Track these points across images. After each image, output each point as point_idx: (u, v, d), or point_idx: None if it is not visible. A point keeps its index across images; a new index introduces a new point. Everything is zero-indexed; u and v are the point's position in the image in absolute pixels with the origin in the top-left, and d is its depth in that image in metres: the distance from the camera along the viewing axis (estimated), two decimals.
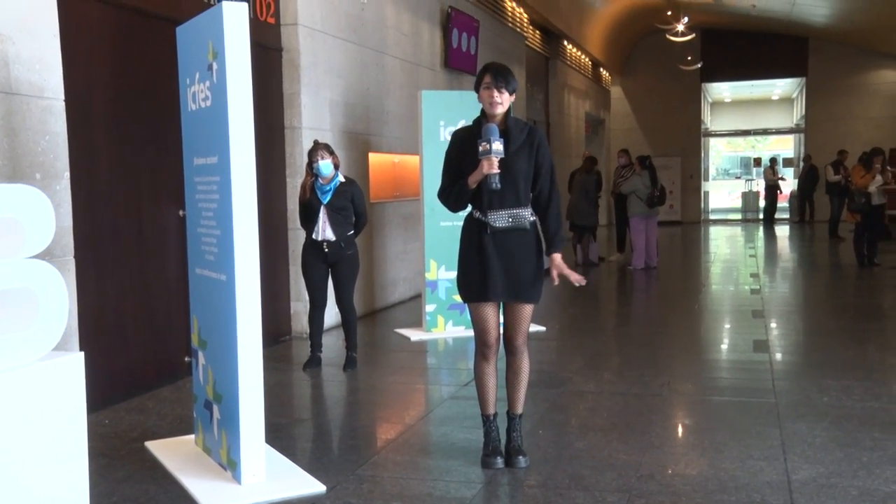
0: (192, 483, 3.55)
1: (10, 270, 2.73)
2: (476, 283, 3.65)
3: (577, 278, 3.75)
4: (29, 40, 3.83)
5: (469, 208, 3.77)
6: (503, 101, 3.60)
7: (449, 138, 3.96)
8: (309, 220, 5.55)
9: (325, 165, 5.39)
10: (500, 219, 3.61)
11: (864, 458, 3.75)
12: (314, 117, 7.02)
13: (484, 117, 3.67)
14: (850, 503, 3.26)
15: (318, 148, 5.45)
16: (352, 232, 5.61)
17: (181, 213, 5.35)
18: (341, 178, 5.52)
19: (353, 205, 5.56)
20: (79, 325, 4.37)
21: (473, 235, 3.68)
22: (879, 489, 3.40)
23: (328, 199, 5.45)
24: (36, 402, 2.73)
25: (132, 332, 5.08)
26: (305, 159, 6.75)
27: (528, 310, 3.72)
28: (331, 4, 7.27)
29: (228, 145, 3.51)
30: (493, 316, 3.70)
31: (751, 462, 3.73)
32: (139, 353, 5.13)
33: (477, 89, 3.68)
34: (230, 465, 3.60)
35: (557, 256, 3.71)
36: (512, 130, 3.63)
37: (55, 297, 2.89)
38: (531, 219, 3.68)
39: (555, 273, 3.69)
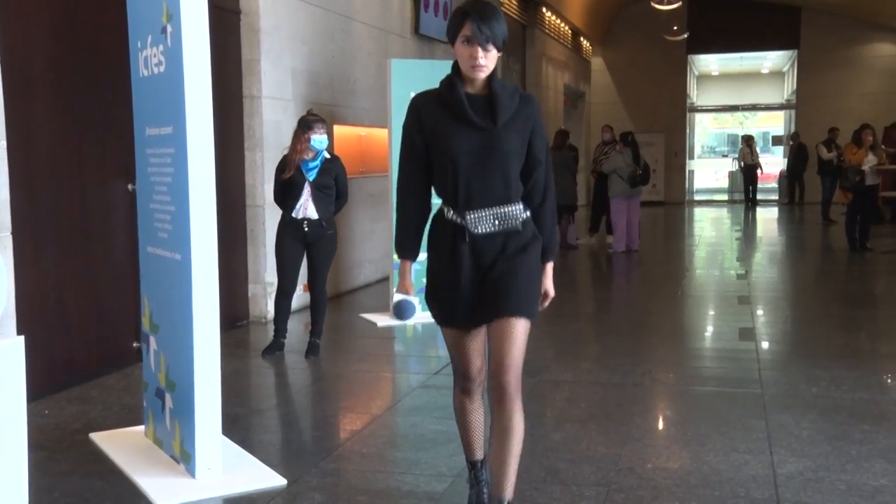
0: (141, 477, 3.55)
1: None
2: (451, 304, 2.89)
3: (544, 304, 3.06)
4: None
5: (438, 202, 2.96)
6: (489, 62, 2.76)
7: None
8: (290, 197, 5.51)
9: (321, 141, 5.37)
10: (482, 221, 2.82)
11: (852, 452, 3.84)
12: (275, 86, 6.98)
13: (457, 76, 2.82)
14: (837, 498, 3.35)
15: (316, 121, 5.42)
16: (335, 212, 5.61)
17: (130, 187, 5.31)
18: (326, 155, 5.50)
19: (336, 184, 5.55)
20: (16, 308, 4.32)
21: (445, 242, 2.87)
22: (868, 483, 3.49)
23: (314, 176, 5.42)
24: None
25: (75, 316, 5.05)
26: (269, 131, 6.79)
27: (519, 328, 2.81)
28: None
29: (184, 115, 3.49)
30: (478, 341, 2.96)
31: (735, 455, 3.81)
32: (82, 337, 5.10)
33: (451, 39, 2.81)
34: (184, 457, 3.61)
35: (548, 269, 3.02)
36: (500, 98, 2.79)
37: None
38: (524, 216, 2.88)
39: (541, 292, 3.01)
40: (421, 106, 2.90)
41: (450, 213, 2.87)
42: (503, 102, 2.80)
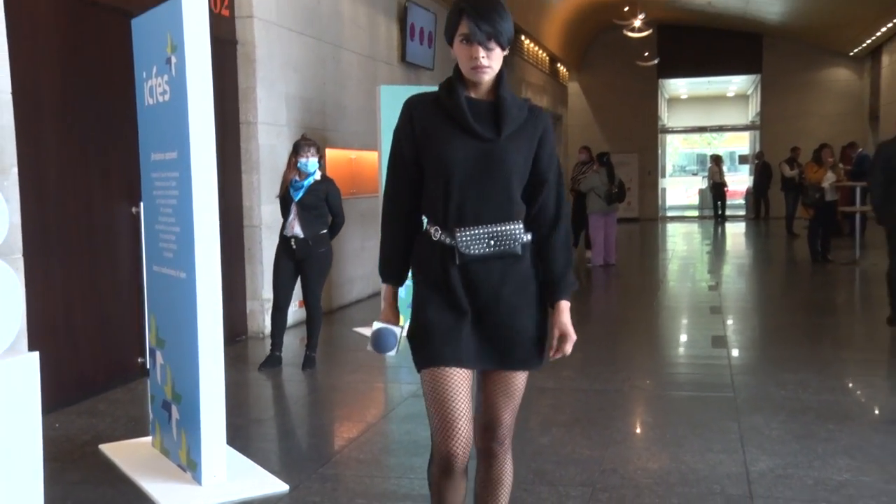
0: (150, 485, 3.55)
1: None
2: (436, 338, 2.29)
3: (566, 349, 2.40)
4: None
5: (424, 221, 2.46)
6: (492, 63, 2.27)
7: None
8: (284, 216, 5.59)
9: (311, 163, 5.43)
10: (474, 241, 2.28)
11: (819, 450, 3.90)
12: (270, 112, 7.01)
13: (458, 80, 2.32)
14: (805, 492, 3.41)
15: (307, 145, 5.48)
16: (324, 231, 5.62)
17: (134, 209, 5.33)
18: (317, 176, 5.54)
19: (328, 204, 5.57)
20: (27, 326, 4.31)
21: (433, 266, 2.34)
22: (833, 478, 3.55)
23: (299, 196, 5.47)
24: None
25: (82, 333, 5.04)
26: (264, 155, 6.82)
27: (521, 381, 2.40)
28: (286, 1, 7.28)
29: (188, 140, 3.52)
30: (462, 395, 2.28)
31: (710, 455, 3.85)
32: (90, 354, 5.08)
33: (449, 39, 2.33)
34: (190, 465, 3.61)
35: (565, 308, 2.38)
36: (507, 105, 2.30)
37: (9, 296, 2.89)
38: (524, 239, 2.34)
39: (556, 333, 2.37)
40: (414, 108, 2.38)
41: (437, 234, 2.32)
42: (510, 111, 2.29)
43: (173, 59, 3.59)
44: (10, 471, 2.76)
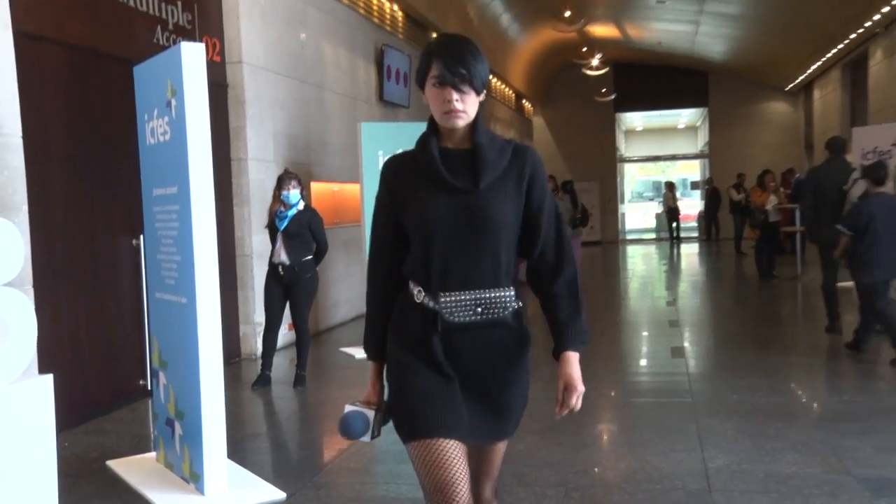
0: (157, 496, 3.56)
1: None
2: (424, 405, 1.97)
3: (572, 403, 2.03)
4: None
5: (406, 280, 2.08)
6: (466, 108, 1.97)
7: None
8: (272, 244, 5.65)
9: (292, 195, 5.49)
10: (459, 308, 1.96)
11: (768, 446, 4.00)
12: (259, 149, 7.07)
13: (433, 133, 2.02)
14: (758, 484, 3.50)
15: (288, 178, 5.55)
16: (309, 257, 5.66)
17: (134, 242, 5.35)
18: (300, 207, 5.60)
19: (311, 232, 5.62)
20: (37, 352, 4.30)
21: (413, 329, 2.01)
22: (782, 471, 3.65)
23: (284, 225, 5.52)
24: (8, 422, 2.73)
25: (88, 358, 5.03)
26: (254, 189, 6.87)
27: (500, 454, 2.16)
28: (273, 43, 7.35)
29: (188, 176, 3.56)
30: (457, 461, 1.95)
31: (673, 454, 3.93)
32: (95, 377, 5.07)
33: (421, 83, 2.03)
34: (193, 477, 3.62)
35: (572, 359, 2.03)
36: (483, 152, 1.97)
37: (24, 323, 2.91)
38: (515, 306, 2.02)
39: (561, 385, 2.02)
40: (388, 169, 2.09)
41: (420, 296, 1.99)
42: (487, 157, 1.96)
43: (173, 102, 3.63)
44: (28, 484, 2.77)
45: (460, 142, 2.00)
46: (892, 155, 9.28)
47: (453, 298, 1.95)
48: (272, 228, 5.61)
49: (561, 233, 2.06)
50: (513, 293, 1.99)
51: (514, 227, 2.00)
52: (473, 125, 2.00)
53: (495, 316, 1.97)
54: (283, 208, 5.53)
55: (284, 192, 5.48)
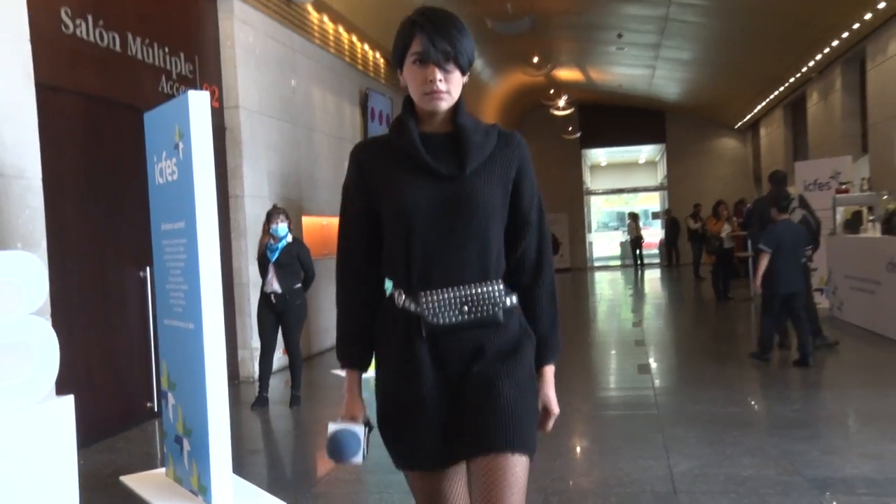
0: None
1: (12, 326, 2.82)
2: (412, 434, 1.69)
3: (547, 426, 1.80)
4: (12, 129, 3.90)
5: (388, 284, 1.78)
6: (450, 88, 1.65)
7: None
8: (262, 274, 5.71)
9: (281, 228, 5.58)
10: (444, 308, 1.64)
11: (727, 452, 4.10)
12: (255, 186, 7.16)
13: (410, 114, 1.70)
14: (718, 486, 3.59)
15: (277, 212, 5.64)
16: (299, 285, 5.74)
17: (141, 273, 5.40)
18: (289, 239, 5.69)
19: (300, 262, 5.70)
20: None
21: (396, 341, 1.70)
22: (739, 474, 3.75)
23: (275, 257, 5.61)
24: (35, 439, 2.79)
25: (99, 381, 5.04)
26: (251, 223, 6.94)
27: (517, 467, 1.60)
28: (266, 89, 7.49)
29: (195, 212, 3.62)
30: (459, 490, 1.74)
31: (641, 461, 4.00)
32: (106, 399, 5.07)
33: (399, 60, 1.70)
34: (201, 490, 3.65)
35: (549, 375, 1.79)
36: (468, 134, 1.67)
37: (48, 349, 2.96)
38: (507, 302, 1.69)
39: (538, 405, 1.75)
40: (361, 154, 1.74)
41: (401, 299, 1.67)
42: (472, 140, 1.66)
43: (181, 145, 3.70)
44: (52, 497, 2.81)
45: (440, 125, 1.68)
46: (831, 187, 9.58)
47: (436, 297, 1.62)
48: (262, 260, 5.69)
49: (544, 232, 1.78)
50: (502, 288, 1.66)
51: (502, 215, 1.69)
52: (455, 107, 1.68)
53: (484, 314, 1.63)
54: (272, 241, 5.62)
55: (273, 226, 5.58)
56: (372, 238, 1.73)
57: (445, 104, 1.64)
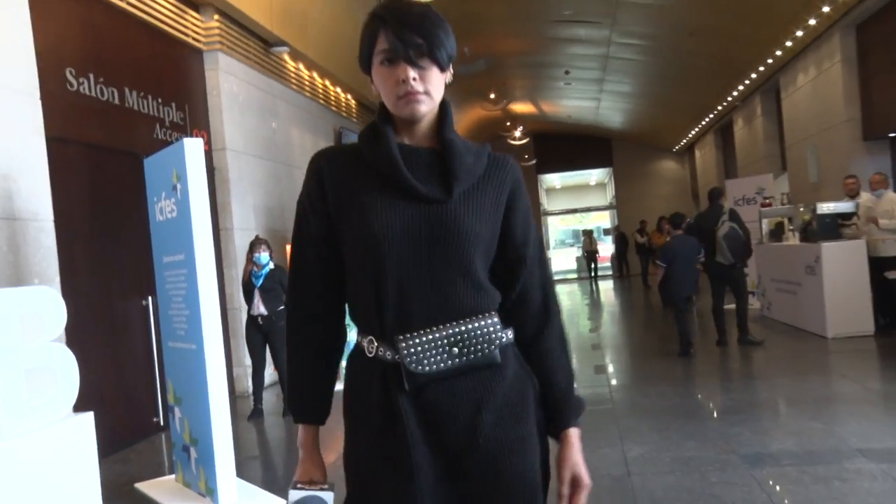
0: None
1: (36, 352, 2.92)
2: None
3: (580, 501, 1.33)
4: (27, 178, 4.00)
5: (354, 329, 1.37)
6: (428, 87, 1.25)
7: None
8: (248, 299, 5.81)
9: (263, 257, 5.71)
10: (429, 351, 1.23)
11: (673, 437, 4.27)
12: (242, 220, 7.26)
13: (386, 123, 1.29)
14: (666, 467, 3.77)
15: (259, 242, 5.76)
16: (282, 307, 5.85)
17: (143, 302, 5.47)
18: (271, 266, 5.82)
19: (282, 287, 5.83)
20: None
21: (371, 399, 1.28)
22: (684, 455, 3.93)
23: (260, 282, 5.73)
24: (60, 452, 2.88)
25: (110, 399, 5.07)
26: (240, 253, 7.04)
27: None
28: (250, 131, 7.62)
29: (193, 245, 3.73)
30: None
31: (599, 450, 4.15)
32: (117, 416, 5.11)
33: (366, 63, 1.29)
34: (208, 492, 3.73)
35: (574, 439, 1.36)
36: (456, 149, 1.29)
37: (69, 371, 3.06)
38: (503, 337, 1.29)
39: (566, 475, 1.33)
40: (323, 164, 1.31)
41: (373, 348, 1.27)
42: (461, 157, 1.28)
43: (178, 186, 3.80)
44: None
45: (422, 138, 1.29)
46: (757, 201, 9.98)
47: (418, 340, 1.20)
48: (248, 286, 5.80)
49: (547, 270, 1.38)
50: (496, 320, 1.26)
51: (491, 247, 1.30)
52: (440, 118, 1.30)
53: (478, 355, 1.23)
54: (256, 268, 5.75)
55: (256, 255, 5.71)
56: (330, 265, 1.31)
57: (424, 107, 1.24)
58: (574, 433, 1.36)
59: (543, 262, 1.39)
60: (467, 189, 1.29)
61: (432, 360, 1.22)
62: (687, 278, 6.95)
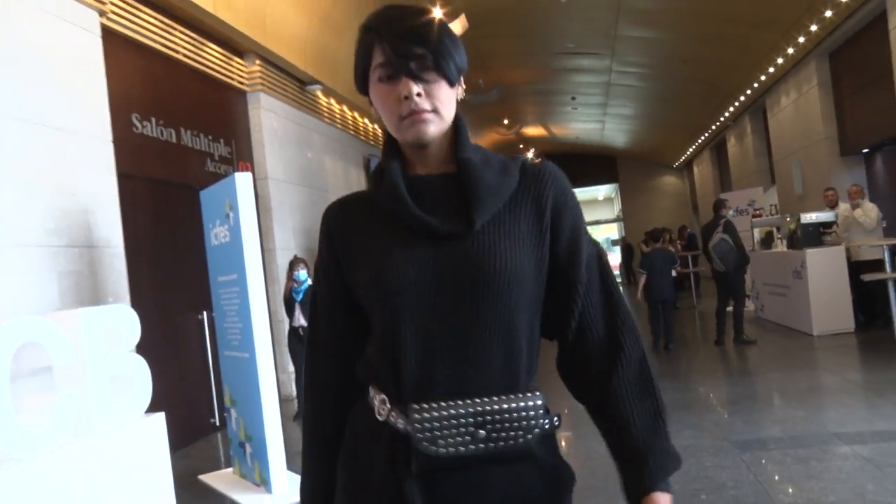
0: (239, 497, 3.86)
1: (117, 361, 3.15)
2: None
3: None
4: (102, 211, 4.26)
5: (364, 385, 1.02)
6: (436, 103, 0.95)
7: None
8: (289, 312, 6.05)
9: (301, 274, 5.94)
10: (446, 430, 0.89)
11: (672, 428, 4.09)
12: (284, 241, 7.49)
13: (393, 157, 1.02)
14: None
15: (298, 261, 6.00)
16: None
17: (199, 316, 5.71)
18: (309, 282, 6.04)
19: None
20: None
21: (373, 467, 0.95)
22: (681, 443, 3.99)
23: (300, 297, 5.96)
24: (138, 448, 3.10)
25: (174, 403, 5.23)
26: (281, 272, 7.29)
27: None
28: (288, 161, 7.88)
29: (244, 266, 3.93)
30: None
31: (600, 445, 4.30)
32: (178, 417, 5.23)
33: (362, 83, 1.01)
34: (262, 481, 3.91)
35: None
36: (478, 174, 0.96)
37: (143, 378, 3.29)
38: (543, 424, 0.93)
39: None
40: (332, 218, 1.06)
41: (385, 409, 0.96)
42: (483, 179, 0.97)
43: (231, 215, 4.01)
44: (154, 494, 3.10)
45: (438, 164, 1.01)
46: (749, 212, 10.07)
47: (436, 414, 0.91)
48: (289, 301, 6.02)
49: (613, 292, 1.05)
50: (540, 402, 0.94)
51: (536, 287, 0.98)
52: (455, 137, 1.01)
53: (510, 443, 0.92)
54: (296, 284, 5.97)
55: (296, 272, 5.92)
56: (347, 335, 1.04)
57: (433, 128, 0.96)
58: (660, 500, 0.95)
59: (607, 284, 1.02)
60: (496, 216, 0.95)
61: (450, 440, 0.89)
62: (664, 284, 7.44)
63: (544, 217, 0.97)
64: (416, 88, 0.94)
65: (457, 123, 1.01)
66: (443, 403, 0.90)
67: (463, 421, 0.89)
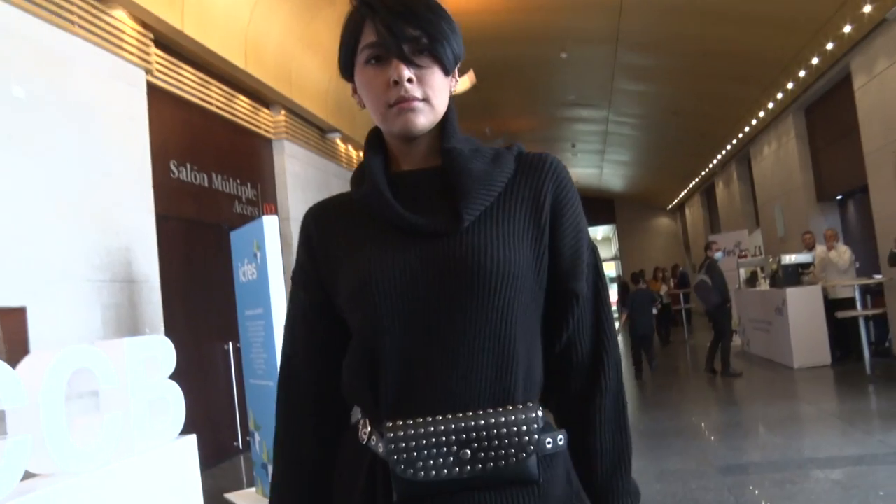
0: None
1: (155, 387, 3.28)
2: None
3: None
4: (141, 248, 4.45)
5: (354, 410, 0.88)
6: (428, 91, 0.80)
7: None
8: None
9: None
10: (426, 450, 0.73)
11: (661, 453, 4.36)
12: None
13: (375, 151, 0.86)
14: (654, 478, 3.88)
15: None
16: None
17: (225, 346, 5.83)
18: None
19: None
20: None
21: (354, 494, 0.80)
22: (670, 468, 4.06)
23: None
24: (170, 469, 3.19)
25: (201, 427, 5.31)
26: None
27: None
28: (309, 202, 7.70)
29: (270, 301, 4.05)
30: None
31: None
32: (206, 440, 5.20)
33: (348, 67, 0.86)
34: None
35: None
36: (464, 165, 0.80)
37: (178, 403, 3.39)
38: (548, 443, 0.77)
39: None
40: (313, 221, 0.93)
41: (365, 432, 0.82)
42: (470, 170, 0.81)
43: (258, 254, 4.15)
44: None
45: (424, 158, 0.87)
46: (735, 253, 10.21)
47: (412, 433, 0.76)
48: None
49: (602, 311, 0.90)
50: (540, 415, 0.80)
51: (533, 287, 0.83)
52: (442, 127, 0.86)
53: (500, 464, 0.77)
54: None
55: None
56: (326, 345, 0.90)
57: (423, 119, 0.83)
58: None
59: (599, 296, 0.89)
60: (488, 210, 0.81)
61: (430, 462, 0.75)
62: (643, 321, 7.93)
63: (543, 212, 0.82)
64: (407, 73, 0.79)
65: (448, 113, 0.85)
66: (420, 420, 0.74)
67: (444, 440, 0.73)
